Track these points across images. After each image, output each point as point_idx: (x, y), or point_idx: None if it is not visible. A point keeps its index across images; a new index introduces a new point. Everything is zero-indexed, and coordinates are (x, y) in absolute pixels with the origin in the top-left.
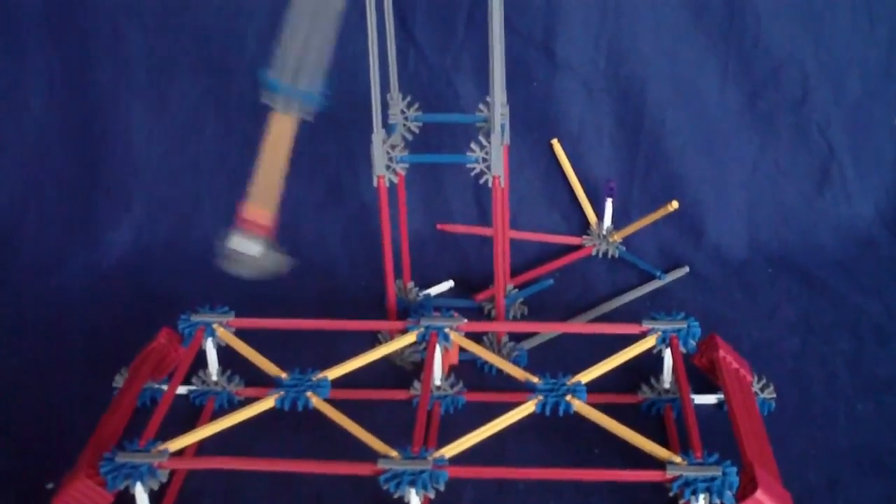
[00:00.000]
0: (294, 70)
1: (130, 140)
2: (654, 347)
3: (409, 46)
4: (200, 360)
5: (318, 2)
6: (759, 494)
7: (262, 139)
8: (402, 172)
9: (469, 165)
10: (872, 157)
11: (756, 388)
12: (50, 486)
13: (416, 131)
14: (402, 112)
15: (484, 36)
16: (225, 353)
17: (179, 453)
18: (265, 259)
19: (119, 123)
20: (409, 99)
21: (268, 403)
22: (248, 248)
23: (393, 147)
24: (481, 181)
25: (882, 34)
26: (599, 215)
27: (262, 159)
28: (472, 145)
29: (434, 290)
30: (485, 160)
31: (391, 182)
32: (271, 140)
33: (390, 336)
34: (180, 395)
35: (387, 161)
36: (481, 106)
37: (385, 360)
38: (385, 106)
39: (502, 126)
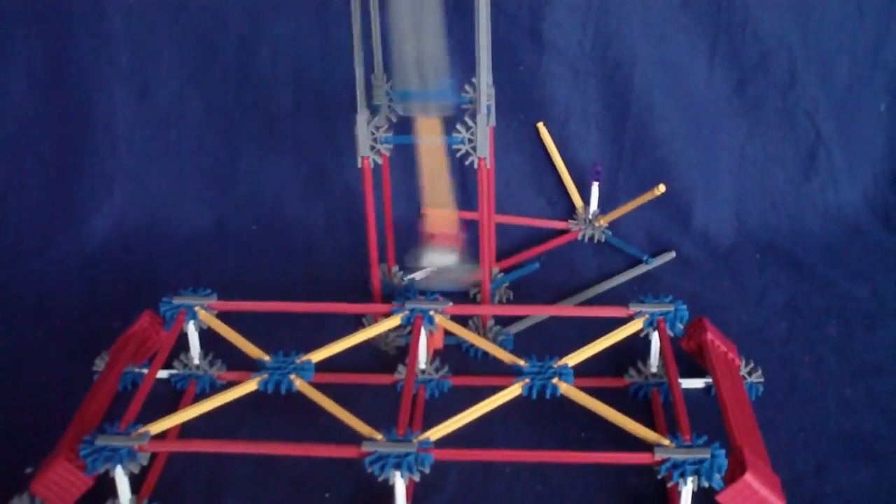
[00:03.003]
0: (417, 73)
1: (113, 124)
2: (641, 331)
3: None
4: (183, 344)
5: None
6: (748, 477)
7: (416, 152)
8: (387, 153)
9: (454, 147)
10: (860, 143)
11: (744, 371)
12: (29, 470)
13: (401, 112)
14: (387, 93)
15: (470, 18)
16: (207, 337)
17: (161, 437)
18: (462, 269)
19: (101, 107)
20: (393, 80)
21: (251, 386)
22: (445, 261)
23: (377, 128)
24: (466, 163)
25: (870, 20)
26: (586, 199)
27: (424, 169)
28: (458, 126)
29: (419, 275)
30: (470, 141)
31: (375, 164)
32: (424, 147)
33: (375, 320)
34: (162, 380)
35: (371, 142)
36: (467, 87)
37: (370, 345)
38: (370, 88)
39: (488, 107)
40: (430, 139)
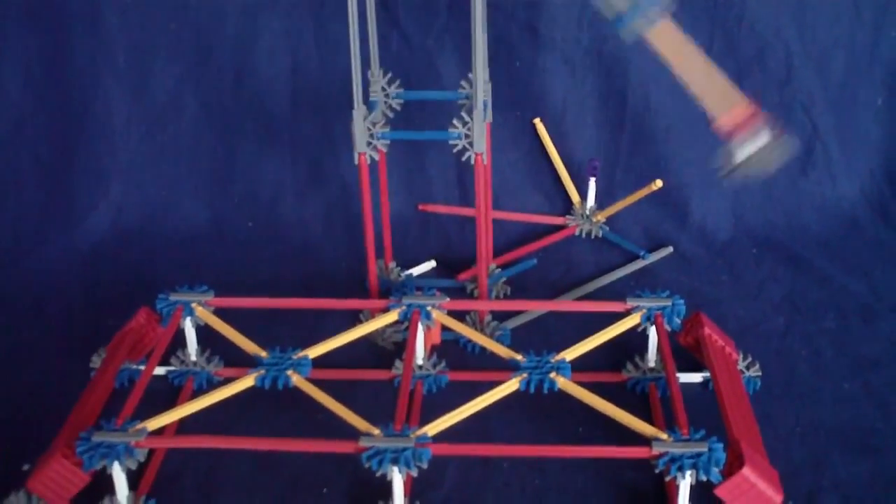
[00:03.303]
0: None
1: (109, 122)
2: (638, 325)
3: (392, 28)
4: (180, 341)
5: None
6: (746, 471)
7: (668, 63)
8: (384, 149)
9: (451, 142)
10: (857, 137)
11: (742, 366)
12: (26, 467)
13: (398, 108)
14: (384, 89)
15: (467, 14)
16: (204, 334)
17: (158, 433)
18: (775, 145)
19: (97, 105)
20: (389, 75)
21: (248, 382)
22: (757, 144)
23: (374, 124)
24: (463, 158)
25: (867, 14)
26: (583, 195)
27: (687, 74)
28: (455, 121)
29: (416, 271)
30: (467, 136)
31: (372, 160)
32: (674, 55)
33: (372, 315)
34: (159, 376)
35: (368, 138)
36: (463, 83)
37: (367, 341)
38: (367, 84)
39: (484, 103)
40: (673, 44)
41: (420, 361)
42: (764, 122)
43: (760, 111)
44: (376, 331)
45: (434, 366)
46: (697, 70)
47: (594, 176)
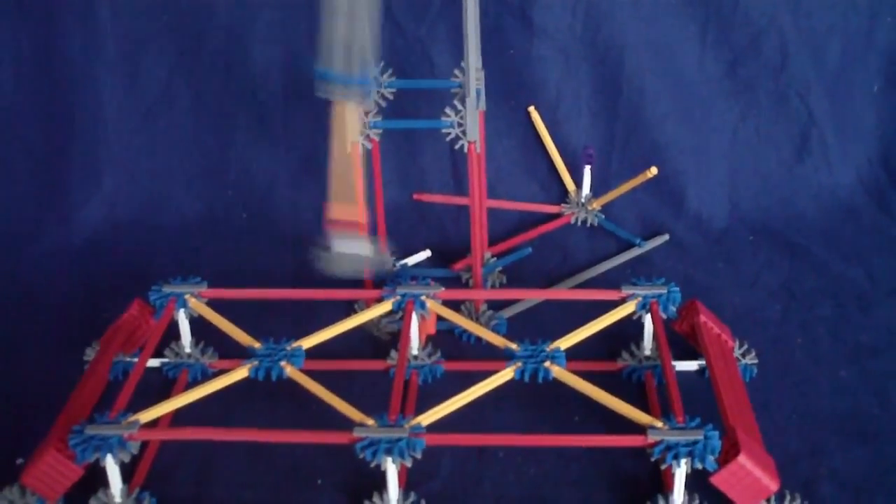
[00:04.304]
0: (344, 57)
1: (101, 114)
2: (634, 313)
3: (385, 17)
4: (174, 333)
5: None
6: (742, 458)
7: (329, 135)
8: (376, 139)
9: (444, 131)
10: (853, 124)
11: (738, 353)
12: (20, 461)
13: (391, 98)
14: (376, 78)
15: (460, 2)
16: (198, 325)
17: (152, 425)
18: (371, 256)
19: (89, 97)
20: (382, 64)
21: (241, 373)
22: (356, 248)
23: (367, 113)
24: (456, 147)
25: (863, 0)
26: (578, 183)
27: (334, 154)
28: (447, 110)
29: (411, 260)
30: (460, 125)
31: (365, 149)
32: (337, 133)
33: (366, 305)
34: (154, 369)
35: (360, 127)
36: (456, 71)
37: (362, 331)
38: None
39: (477, 91)
40: (342, 126)
41: (415, 351)
42: (366, 236)
43: (364, 226)
44: (371, 321)
45: (429, 356)
46: (344, 159)
47: (589, 164)
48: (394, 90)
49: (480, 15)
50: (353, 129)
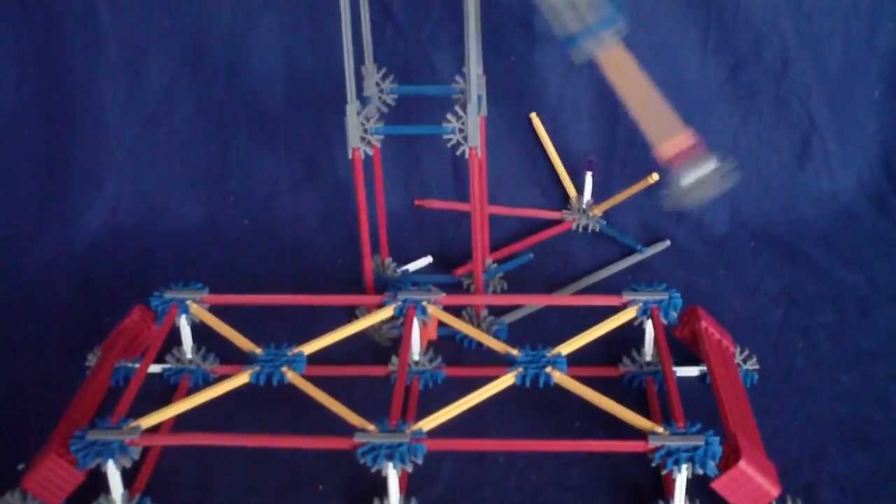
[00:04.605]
0: (574, 13)
1: (102, 118)
2: (635, 319)
3: (386, 22)
4: (176, 339)
5: None
6: (743, 464)
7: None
8: (378, 144)
9: (445, 136)
10: (854, 129)
11: (739, 359)
12: (21, 466)
13: (392, 104)
14: (377, 84)
15: (461, 8)
16: (200, 331)
17: (153, 431)
18: (718, 174)
19: (91, 102)
20: (384, 70)
21: (242, 379)
22: (704, 170)
23: (368, 119)
24: (458, 153)
25: (864, 5)
26: (579, 189)
27: (631, 101)
28: (448, 116)
29: (412, 266)
30: (461, 131)
31: (367, 155)
32: (620, 80)
33: (368, 311)
34: (155, 374)
35: (361, 133)
36: (457, 77)
37: (363, 336)
38: (360, 79)
39: (479, 97)
40: (622, 70)
41: (416, 357)
42: (705, 153)
43: (701, 142)
44: (373, 327)
45: (430, 361)
46: (643, 98)
47: (591, 170)
48: (395, 96)
49: (482, 20)
50: (632, 68)
